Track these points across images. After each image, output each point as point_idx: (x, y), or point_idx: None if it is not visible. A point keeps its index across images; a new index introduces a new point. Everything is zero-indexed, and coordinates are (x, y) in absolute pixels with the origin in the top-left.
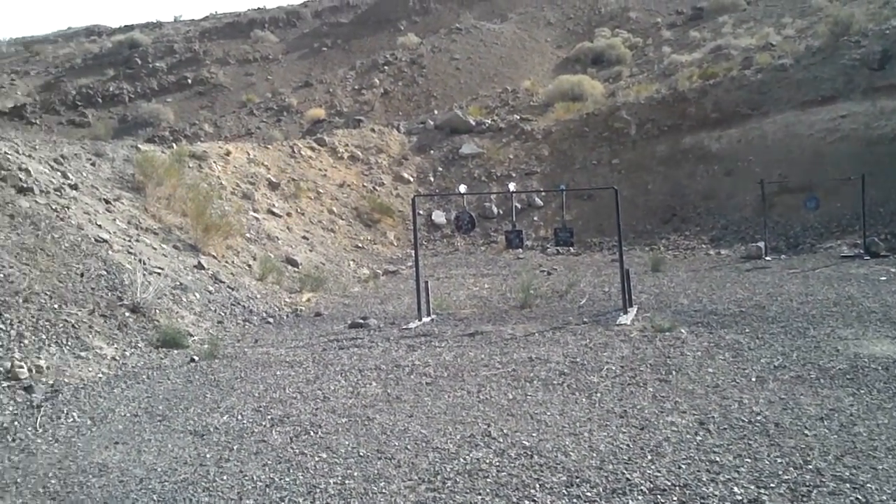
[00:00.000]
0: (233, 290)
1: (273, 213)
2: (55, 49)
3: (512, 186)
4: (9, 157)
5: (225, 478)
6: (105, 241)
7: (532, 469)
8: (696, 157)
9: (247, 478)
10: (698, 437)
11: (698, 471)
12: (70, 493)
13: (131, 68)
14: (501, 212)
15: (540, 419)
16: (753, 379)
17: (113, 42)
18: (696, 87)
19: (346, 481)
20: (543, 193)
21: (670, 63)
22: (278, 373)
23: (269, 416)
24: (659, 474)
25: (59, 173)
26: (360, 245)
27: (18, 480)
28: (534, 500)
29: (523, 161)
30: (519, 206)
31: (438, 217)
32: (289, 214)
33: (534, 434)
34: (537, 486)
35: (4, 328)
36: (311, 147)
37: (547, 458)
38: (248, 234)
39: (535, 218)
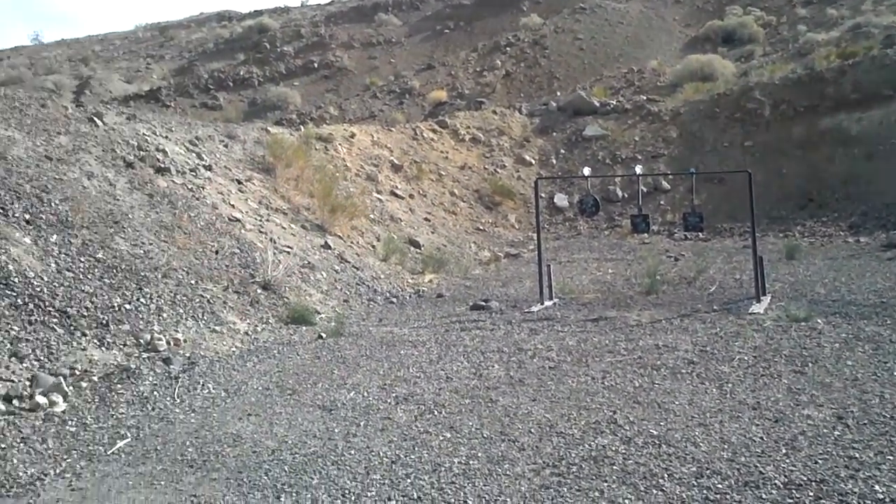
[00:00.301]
0: (358, 269)
1: (396, 195)
2: (188, 34)
3: (638, 169)
4: (147, 138)
5: (352, 452)
6: (238, 220)
7: (660, 458)
8: (835, 140)
9: (373, 453)
10: (836, 432)
11: (836, 466)
12: (206, 462)
13: (260, 53)
14: (626, 195)
15: (668, 408)
16: (895, 373)
17: (243, 27)
18: (834, 66)
19: (471, 461)
20: (671, 176)
21: (806, 42)
22: (402, 352)
23: (393, 394)
24: (794, 469)
25: (194, 154)
26: (481, 227)
27: (158, 448)
28: (662, 490)
29: (650, 143)
30: (645, 189)
31: (561, 200)
32: (411, 196)
33: (661, 423)
34: (666, 475)
35: (145, 302)
36: (433, 129)
37: (676, 448)
38: (371, 215)
39: (662, 202)
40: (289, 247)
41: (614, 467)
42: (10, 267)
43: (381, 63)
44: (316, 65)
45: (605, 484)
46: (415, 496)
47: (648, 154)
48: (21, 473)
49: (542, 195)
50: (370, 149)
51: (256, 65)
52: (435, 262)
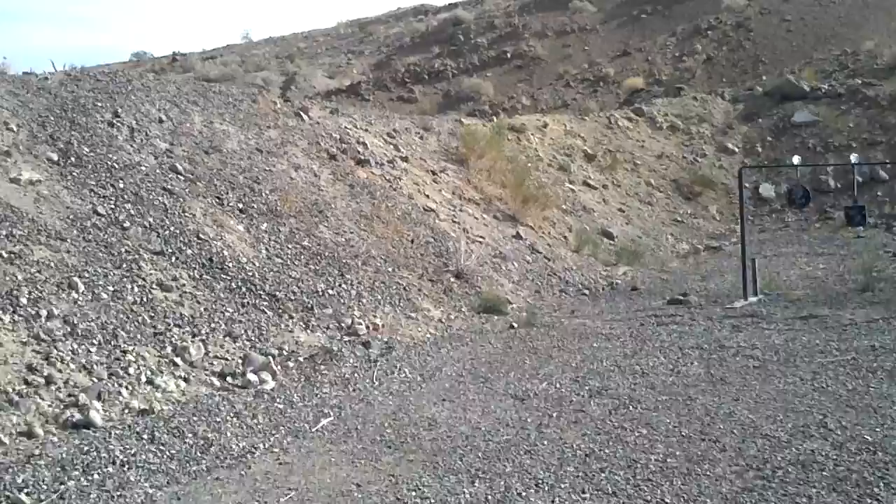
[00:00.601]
0: (549, 260)
1: (589, 185)
2: (386, 29)
3: (853, 158)
4: (349, 131)
5: (545, 443)
6: (432, 210)
7: (875, 466)
8: None
9: (567, 445)
10: None
11: None
12: (403, 443)
13: (455, 45)
14: (839, 185)
15: (885, 413)
16: None
17: (438, 20)
18: None
19: (668, 459)
20: (889, 166)
21: None
22: (595, 345)
23: (586, 387)
24: None
25: (391, 146)
26: (679, 219)
27: (358, 427)
28: (877, 500)
29: (865, 130)
30: (860, 179)
31: (767, 190)
32: (605, 186)
33: (877, 429)
34: (881, 484)
35: (346, 288)
36: (628, 117)
37: (893, 456)
38: (564, 206)
39: (879, 193)
40: (481, 237)
41: (824, 473)
42: (226, 253)
43: (575, 51)
44: (509, 55)
45: (814, 490)
46: (609, 491)
47: (864, 142)
48: (234, 446)
49: (747, 185)
50: (563, 138)
51: (450, 57)
52: (629, 254)
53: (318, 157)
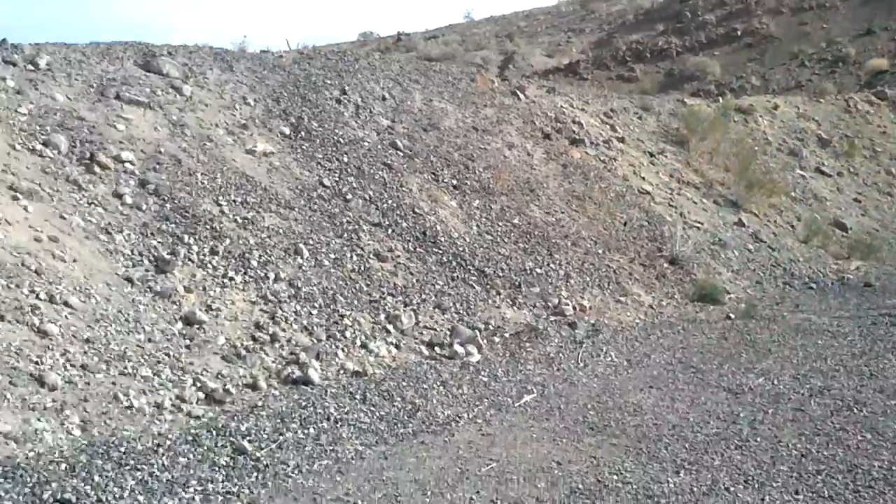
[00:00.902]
0: (773, 250)
1: (821, 172)
2: (609, 6)
3: None
4: (564, 110)
5: (758, 440)
6: (647, 192)
7: None
8: None
9: (781, 444)
10: None
11: None
12: (607, 427)
13: (681, 22)
14: None
15: None
16: None
17: None
18: None
19: (894, 467)
20: None
21: None
22: (819, 342)
23: (807, 386)
24: None
25: (608, 126)
26: None
27: (561, 407)
28: None
29: None
30: None
31: None
32: (839, 174)
33: None
34: None
35: (554, 267)
36: (869, 101)
37: None
38: (792, 193)
39: None
40: (699, 222)
41: None
42: (438, 227)
43: (813, 29)
44: (739, 32)
45: None
46: (826, 494)
47: None
48: (439, 413)
49: None
50: (794, 122)
51: (675, 35)
52: (864, 247)
53: (532, 136)
